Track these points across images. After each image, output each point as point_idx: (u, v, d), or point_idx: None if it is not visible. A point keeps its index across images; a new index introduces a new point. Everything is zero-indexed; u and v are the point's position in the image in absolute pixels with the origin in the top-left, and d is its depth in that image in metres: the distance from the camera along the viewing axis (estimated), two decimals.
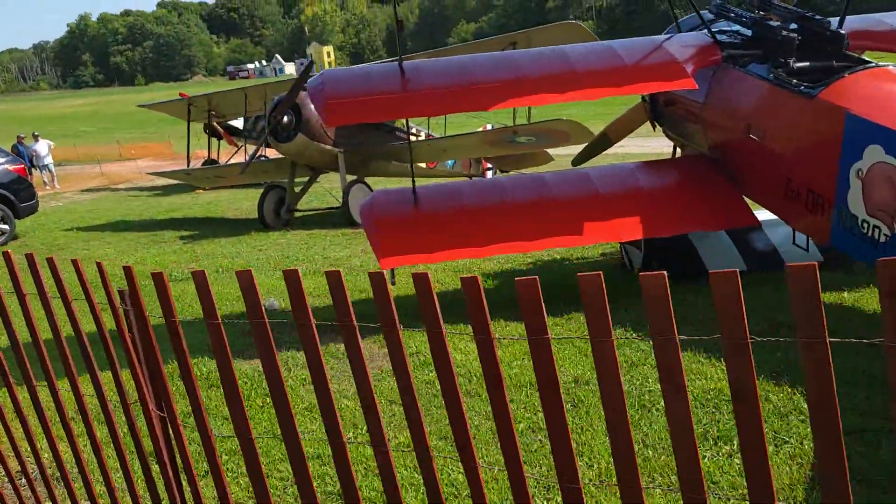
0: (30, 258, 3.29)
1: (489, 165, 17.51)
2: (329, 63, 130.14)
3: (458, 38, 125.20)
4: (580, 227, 6.10)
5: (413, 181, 6.42)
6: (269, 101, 13.19)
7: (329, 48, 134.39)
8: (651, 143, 17.81)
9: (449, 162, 16.06)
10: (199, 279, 2.62)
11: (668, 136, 7.76)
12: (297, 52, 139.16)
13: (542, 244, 6.07)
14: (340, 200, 13.23)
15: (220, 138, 22.86)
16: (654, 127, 7.86)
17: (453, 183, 7.00)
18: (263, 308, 2.57)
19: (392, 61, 6.42)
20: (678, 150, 7.76)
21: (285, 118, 12.77)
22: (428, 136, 15.59)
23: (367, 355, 2.72)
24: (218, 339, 2.63)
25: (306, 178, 14.32)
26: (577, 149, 17.92)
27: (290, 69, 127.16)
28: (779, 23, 6.04)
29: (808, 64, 5.93)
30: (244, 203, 17.84)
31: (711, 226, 6.44)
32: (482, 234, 6.13)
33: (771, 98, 5.81)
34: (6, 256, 3.41)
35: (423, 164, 15.35)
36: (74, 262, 3.16)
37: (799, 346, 1.71)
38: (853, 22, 6.32)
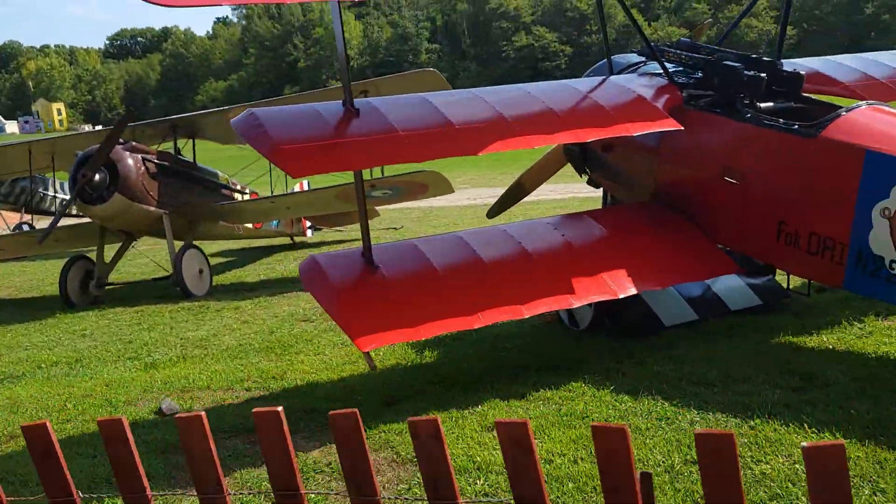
0: None
1: (308, 224, 16.42)
2: (60, 121, 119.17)
3: (207, 97, 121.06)
4: (571, 286, 5.45)
5: (368, 240, 5.37)
6: (74, 157, 11.07)
7: (59, 105, 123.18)
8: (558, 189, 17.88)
9: (273, 222, 14.74)
10: None
11: (596, 183, 7.42)
12: (20, 109, 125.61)
13: (536, 306, 5.30)
14: (169, 269, 11.40)
15: None
16: (580, 174, 7.50)
17: (403, 241, 6.02)
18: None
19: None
20: (607, 197, 7.46)
21: (97, 176, 10.76)
22: (252, 193, 14.17)
23: None
24: None
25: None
26: (429, 202, 17.44)
27: (12, 128, 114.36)
28: (738, 63, 5.97)
29: (771, 105, 5.88)
30: (14, 279, 14.94)
31: (699, 276, 6.13)
32: (466, 300, 5.24)
33: (753, 139, 5.65)
34: None
35: (249, 225, 13.90)
36: None
37: None
38: (812, 63, 6.48)
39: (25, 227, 18.66)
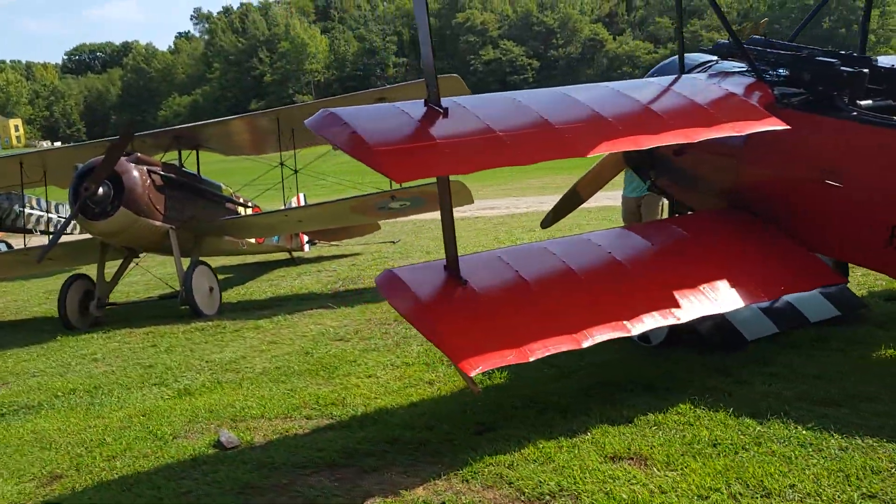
0: None
1: (307, 239, 15.83)
2: (17, 137, 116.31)
3: (170, 111, 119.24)
4: (676, 300, 5.03)
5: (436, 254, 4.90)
6: (74, 170, 10.38)
7: (17, 121, 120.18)
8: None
9: (275, 237, 14.14)
10: None
11: (660, 190, 7.03)
12: None
13: (641, 322, 4.87)
14: (174, 286, 10.76)
15: None
16: (644, 180, 7.11)
17: (483, 253, 5.55)
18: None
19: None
20: (673, 205, 7.07)
21: (101, 189, 10.09)
22: (254, 207, 13.56)
23: None
24: None
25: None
26: (419, 216, 16.97)
27: None
28: (833, 59, 5.65)
29: (871, 102, 5.56)
30: None
31: (804, 286, 5.74)
32: (567, 316, 4.79)
33: (859, 138, 5.31)
34: None
35: (252, 240, 13.27)
36: None
37: None
38: None
39: (2, 246, 17.76)
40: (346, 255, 15.21)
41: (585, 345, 4.67)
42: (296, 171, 11.84)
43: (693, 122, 5.11)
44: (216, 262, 15.19)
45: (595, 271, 5.19)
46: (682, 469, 4.08)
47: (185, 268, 10.58)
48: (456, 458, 4.59)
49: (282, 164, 11.75)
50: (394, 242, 16.18)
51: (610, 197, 15.42)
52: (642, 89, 5.52)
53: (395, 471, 4.56)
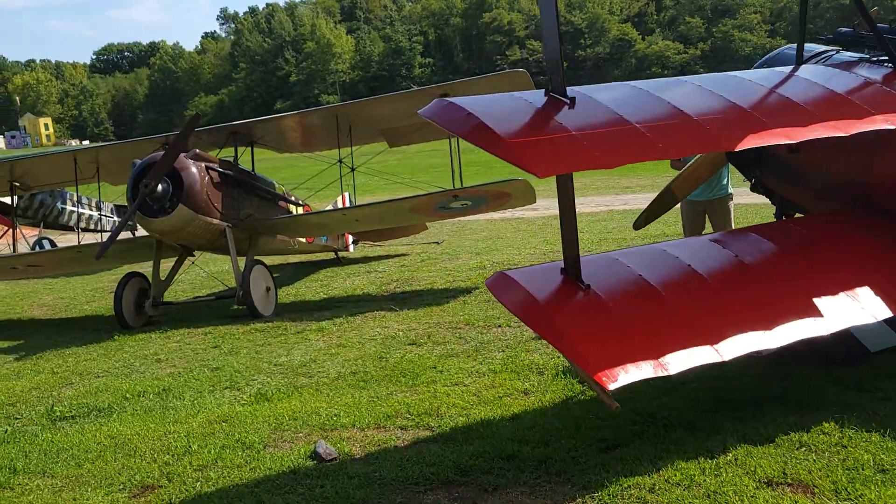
0: None
1: (352, 239, 15.49)
2: (47, 136, 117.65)
3: (197, 110, 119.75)
4: (818, 308, 4.62)
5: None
6: (132, 166, 10.13)
7: (47, 120, 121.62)
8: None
9: (323, 237, 13.83)
10: None
11: (767, 189, 6.60)
12: (5, 124, 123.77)
13: (785, 334, 4.45)
14: (232, 286, 10.47)
15: None
16: (748, 178, 6.68)
17: (599, 255, 5.15)
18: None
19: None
20: (781, 206, 6.63)
21: (160, 186, 9.82)
22: (304, 205, 13.25)
23: None
24: None
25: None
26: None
27: None
28: None
29: None
30: (44, 297, 13.92)
31: None
32: (705, 326, 4.39)
33: None
34: None
35: (302, 239, 12.98)
36: None
37: None
38: None
39: (46, 243, 17.65)
40: (391, 256, 14.88)
41: (728, 357, 4.26)
42: (353, 169, 11.52)
43: (842, 113, 4.70)
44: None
45: (726, 276, 4.79)
46: (856, 499, 3.67)
47: (241, 267, 10.31)
48: (586, 478, 4.22)
49: (340, 161, 11.43)
50: (438, 243, 15.83)
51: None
52: (770, 78, 5.11)
53: (520, 490, 4.20)
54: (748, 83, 4.95)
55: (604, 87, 4.87)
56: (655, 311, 4.45)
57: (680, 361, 4.16)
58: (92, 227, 19.46)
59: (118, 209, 19.65)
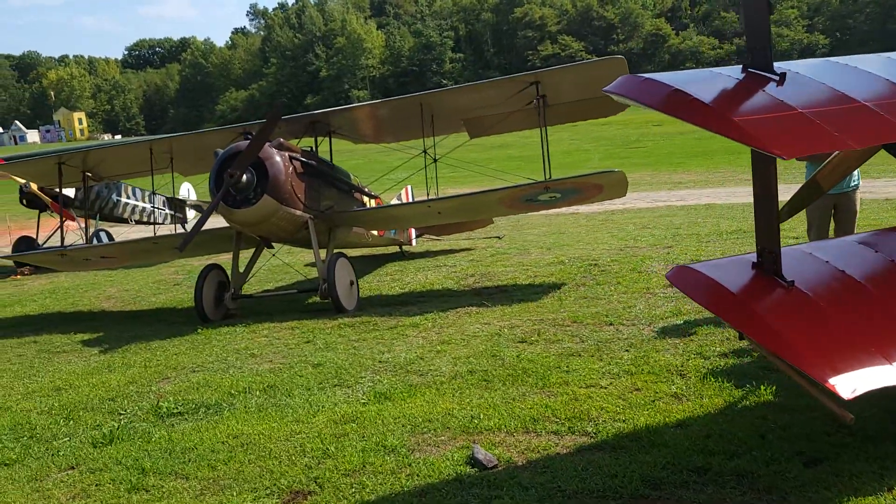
0: None
1: (415, 233, 15.10)
2: (81, 130, 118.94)
3: (227, 106, 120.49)
4: None
5: None
6: (215, 156, 9.82)
7: (80, 114, 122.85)
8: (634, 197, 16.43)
9: (392, 230, 13.46)
10: None
11: None
12: (40, 118, 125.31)
13: None
14: (313, 279, 10.15)
15: (42, 210, 18.10)
16: None
17: (788, 249, 4.70)
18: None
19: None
20: None
21: (245, 176, 9.49)
22: (376, 198, 12.89)
23: None
24: None
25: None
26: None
27: (34, 136, 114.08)
28: None
29: None
30: (108, 289, 13.72)
31: None
32: None
33: None
34: None
35: (375, 232, 12.63)
36: None
37: None
38: None
39: (103, 235, 17.49)
40: (455, 251, 14.48)
41: None
42: (435, 160, 11.13)
43: None
44: None
45: None
46: None
47: (322, 259, 9.98)
48: (805, 497, 3.79)
49: (425, 152, 11.05)
50: (499, 238, 15.41)
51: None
52: None
53: None
54: None
55: (810, 64, 4.42)
56: (872, 312, 4.00)
57: None
58: (145, 219, 19.30)
59: (169, 201, 19.47)
